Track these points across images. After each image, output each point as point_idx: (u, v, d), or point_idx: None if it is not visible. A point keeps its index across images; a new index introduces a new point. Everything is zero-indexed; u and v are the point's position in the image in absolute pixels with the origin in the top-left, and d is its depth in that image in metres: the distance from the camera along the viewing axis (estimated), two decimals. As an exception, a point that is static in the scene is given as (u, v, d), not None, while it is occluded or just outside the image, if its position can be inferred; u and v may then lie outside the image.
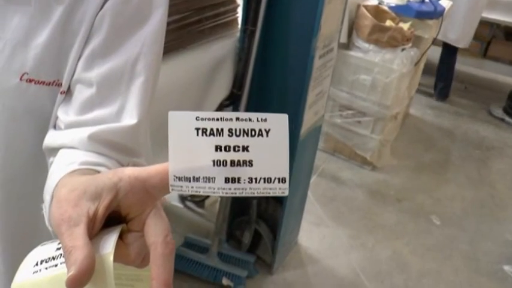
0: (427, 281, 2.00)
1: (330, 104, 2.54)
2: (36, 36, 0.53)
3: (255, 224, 1.85)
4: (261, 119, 0.34)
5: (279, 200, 1.77)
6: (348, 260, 2.04)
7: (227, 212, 1.81)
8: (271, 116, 0.34)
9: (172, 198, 2.13)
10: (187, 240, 1.89)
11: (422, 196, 2.54)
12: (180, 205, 2.13)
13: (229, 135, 0.34)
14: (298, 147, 1.60)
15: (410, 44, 2.42)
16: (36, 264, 0.36)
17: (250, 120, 0.34)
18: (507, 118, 3.47)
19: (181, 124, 0.34)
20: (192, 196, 2.14)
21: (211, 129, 0.34)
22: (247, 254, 1.87)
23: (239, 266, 1.82)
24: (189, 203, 2.15)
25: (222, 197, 1.79)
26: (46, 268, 0.35)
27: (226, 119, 0.34)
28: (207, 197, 2.10)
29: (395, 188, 2.57)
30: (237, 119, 0.34)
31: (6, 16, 0.53)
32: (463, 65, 4.07)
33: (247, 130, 0.34)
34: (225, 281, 1.76)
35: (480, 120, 3.49)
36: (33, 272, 0.35)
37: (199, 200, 2.13)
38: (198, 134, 0.34)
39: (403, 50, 2.39)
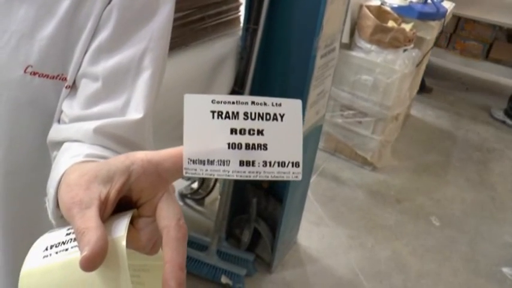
0: (426, 281, 2.01)
1: (331, 104, 2.54)
2: (42, 29, 0.53)
3: (254, 223, 1.85)
4: (276, 104, 0.35)
5: (279, 199, 1.77)
6: (347, 260, 2.05)
7: (227, 210, 1.82)
8: (285, 101, 0.35)
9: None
10: (186, 237, 1.89)
11: (422, 197, 2.54)
12: (179, 203, 2.13)
13: (244, 118, 0.34)
14: (299, 146, 1.59)
15: (412, 45, 2.42)
16: (46, 249, 0.35)
17: (265, 104, 0.34)
18: (508, 120, 3.47)
19: (197, 107, 0.34)
20: (192, 194, 2.14)
21: (227, 113, 0.34)
22: (247, 253, 1.88)
23: (238, 264, 1.82)
24: (189, 201, 2.15)
25: (222, 195, 1.79)
26: (56, 253, 0.34)
27: (242, 103, 0.34)
28: (207, 194, 2.10)
29: (395, 189, 2.57)
30: (253, 103, 0.34)
31: (12, 7, 0.53)
32: (464, 67, 4.07)
33: (262, 114, 0.34)
34: (224, 279, 1.76)
35: (481, 122, 3.49)
36: (43, 257, 0.34)
37: (199, 198, 2.13)
38: (213, 117, 0.34)
39: (405, 50, 2.39)
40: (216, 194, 2.08)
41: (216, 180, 2.00)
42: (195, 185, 2.14)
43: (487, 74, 4.06)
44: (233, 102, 0.34)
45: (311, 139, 1.74)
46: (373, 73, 2.40)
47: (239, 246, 1.91)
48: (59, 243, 0.35)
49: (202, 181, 2.11)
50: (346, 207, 2.36)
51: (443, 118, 3.47)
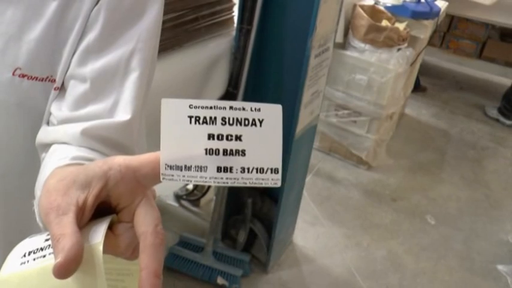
0: (422, 280, 2.01)
1: (326, 104, 2.54)
2: (29, 30, 0.52)
3: (250, 223, 1.85)
4: (255, 109, 0.34)
5: (274, 199, 1.77)
6: (343, 259, 2.05)
7: (222, 211, 1.81)
8: (265, 106, 0.34)
9: (167, 197, 2.13)
10: (182, 239, 1.88)
11: (418, 196, 2.55)
12: (175, 204, 2.13)
13: (222, 123, 0.34)
14: (294, 146, 1.60)
15: (406, 44, 2.42)
16: (24, 256, 0.35)
17: (243, 109, 0.34)
18: (502, 118, 3.48)
19: (174, 112, 0.33)
20: (188, 195, 2.14)
21: (205, 118, 0.33)
22: (242, 253, 1.87)
23: (234, 265, 1.82)
24: (184, 202, 2.14)
25: (217, 196, 1.79)
26: (34, 259, 0.34)
27: (220, 108, 0.34)
28: (203, 195, 2.10)
29: (390, 188, 2.58)
30: (231, 107, 0.34)
31: None
32: (458, 66, 4.08)
33: (241, 119, 0.34)
34: (220, 280, 1.76)
35: (475, 120, 3.50)
36: (21, 264, 0.34)
37: (195, 199, 2.13)
38: (191, 122, 0.33)
39: (398, 50, 2.40)
40: (211, 195, 2.07)
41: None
42: (190, 186, 2.13)
43: (480, 72, 4.07)
44: (211, 107, 0.34)
45: (306, 139, 1.74)
46: (367, 72, 2.41)
47: (235, 247, 1.91)
48: (37, 249, 0.35)
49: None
50: (341, 207, 2.37)
51: (438, 117, 3.48)
